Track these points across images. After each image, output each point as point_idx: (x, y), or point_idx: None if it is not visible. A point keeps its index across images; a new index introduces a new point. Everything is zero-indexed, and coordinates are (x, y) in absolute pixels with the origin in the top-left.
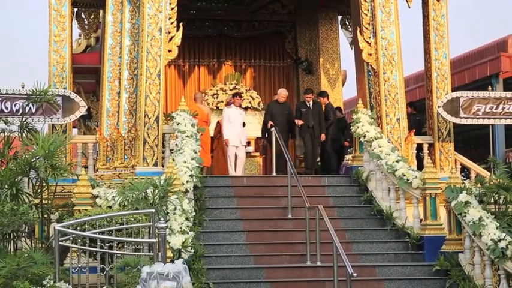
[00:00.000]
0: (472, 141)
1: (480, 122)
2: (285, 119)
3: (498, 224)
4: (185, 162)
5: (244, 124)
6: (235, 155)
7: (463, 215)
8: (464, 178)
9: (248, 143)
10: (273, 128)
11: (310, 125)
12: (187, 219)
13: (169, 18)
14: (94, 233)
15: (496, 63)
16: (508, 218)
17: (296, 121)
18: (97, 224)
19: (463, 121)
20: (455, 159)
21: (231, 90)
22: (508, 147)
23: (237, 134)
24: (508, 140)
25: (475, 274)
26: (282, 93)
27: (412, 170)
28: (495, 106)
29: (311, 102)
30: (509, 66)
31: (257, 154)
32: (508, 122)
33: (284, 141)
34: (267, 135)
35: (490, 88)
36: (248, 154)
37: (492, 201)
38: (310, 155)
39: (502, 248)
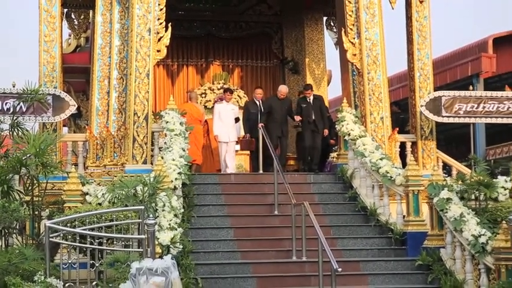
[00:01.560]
0: (454, 140)
1: (461, 120)
2: (285, 114)
3: (478, 220)
4: (174, 160)
5: (237, 119)
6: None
7: (444, 211)
8: (446, 175)
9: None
10: (261, 128)
11: (311, 120)
12: (175, 215)
13: (158, 19)
14: (84, 230)
15: (477, 64)
16: (488, 214)
17: (295, 117)
18: (87, 220)
19: (445, 120)
20: (437, 157)
21: (218, 89)
22: (489, 145)
23: (227, 130)
24: (488, 138)
25: (456, 269)
26: (282, 90)
27: (396, 167)
28: (476, 105)
29: (311, 98)
30: (490, 67)
31: (246, 152)
32: (489, 120)
33: (283, 135)
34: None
35: (471, 88)
36: (235, 152)
37: (473, 197)
38: (311, 150)
39: (482, 243)
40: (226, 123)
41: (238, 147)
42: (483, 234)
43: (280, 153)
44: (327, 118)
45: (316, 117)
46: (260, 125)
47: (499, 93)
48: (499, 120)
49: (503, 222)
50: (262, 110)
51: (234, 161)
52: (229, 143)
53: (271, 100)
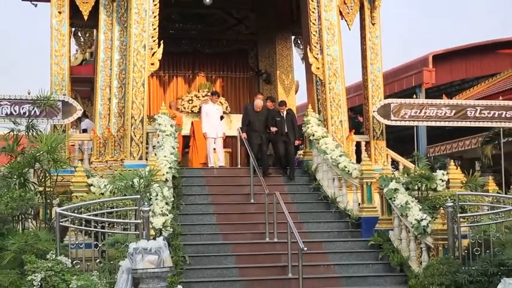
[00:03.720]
0: (401, 140)
1: (407, 123)
2: (262, 124)
3: (420, 207)
4: (165, 156)
5: (222, 117)
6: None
7: (392, 199)
8: (394, 170)
9: None
10: (245, 139)
11: (284, 132)
12: (167, 203)
13: (152, 37)
14: (89, 215)
15: (419, 76)
16: (428, 201)
17: (271, 128)
18: (91, 207)
19: (393, 123)
20: (387, 154)
21: (203, 96)
22: (429, 144)
23: (214, 127)
24: (429, 138)
25: (402, 247)
26: (258, 104)
27: (352, 163)
28: (419, 111)
29: (285, 112)
30: (430, 79)
31: (227, 150)
32: (429, 124)
33: (262, 142)
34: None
35: (414, 96)
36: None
37: (416, 188)
38: (285, 158)
39: (424, 226)
40: (213, 121)
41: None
42: (424, 219)
43: (261, 157)
44: (297, 129)
45: (288, 130)
46: (243, 135)
47: (437, 101)
48: (438, 124)
49: (441, 208)
50: (249, 120)
51: (223, 154)
52: (216, 138)
53: (250, 114)
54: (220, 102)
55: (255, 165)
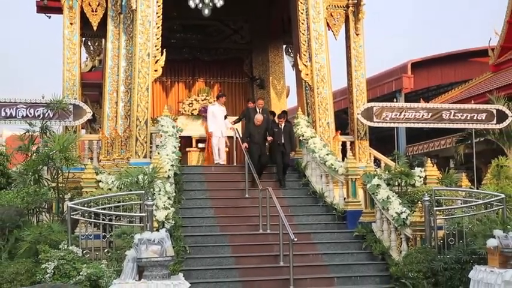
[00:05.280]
0: (382, 140)
1: (388, 125)
2: (262, 137)
3: (400, 201)
4: (167, 155)
5: (226, 117)
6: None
7: (375, 194)
8: (376, 167)
9: None
10: (245, 150)
11: (281, 143)
12: (169, 198)
13: (155, 46)
14: (98, 209)
15: (399, 82)
16: (407, 196)
17: (268, 138)
18: (100, 202)
19: (376, 124)
20: (370, 153)
21: (202, 100)
22: (408, 144)
23: (220, 127)
24: (408, 138)
25: (384, 238)
26: (258, 119)
27: (338, 161)
28: (398, 113)
29: (283, 124)
30: (409, 84)
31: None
32: (408, 125)
33: (262, 153)
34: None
35: (395, 100)
36: None
37: (396, 184)
38: (280, 167)
39: (403, 218)
40: (219, 121)
41: None
42: (404, 212)
43: (260, 167)
44: (294, 141)
45: (285, 141)
46: (244, 146)
47: (415, 105)
48: (416, 125)
49: (419, 202)
50: (250, 132)
51: (224, 153)
52: (221, 137)
53: (250, 128)
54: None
55: (254, 176)
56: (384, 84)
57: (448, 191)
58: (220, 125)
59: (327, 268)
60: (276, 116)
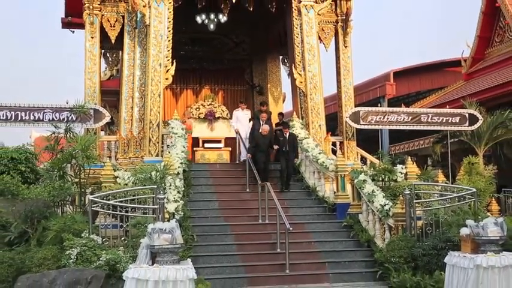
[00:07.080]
0: (368, 140)
1: (373, 127)
2: (267, 146)
3: (384, 194)
4: (177, 154)
5: (250, 120)
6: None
7: (361, 188)
8: (363, 164)
9: (219, 141)
10: (249, 158)
11: (286, 150)
12: (178, 192)
13: (166, 57)
14: (115, 202)
15: (383, 89)
16: (390, 190)
17: (274, 146)
18: (117, 195)
19: (362, 127)
20: (357, 152)
21: (208, 105)
22: (391, 143)
23: (244, 129)
24: (391, 139)
25: (369, 227)
26: (265, 129)
27: (329, 159)
28: (382, 117)
29: (287, 134)
30: (391, 91)
31: (227, 149)
32: (391, 127)
33: (266, 161)
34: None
35: (379, 105)
36: (219, 148)
37: (380, 179)
38: (284, 173)
39: (386, 210)
40: (243, 124)
41: (221, 145)
42: (387, 204)
43: (265, 174)
44: (297, 150)
45: (289, 149)
46: (248, 155)
47: (397, 109)
48: (398, 127)
49: (400, 196)
50: (256, 142)
51: (245, 152)
52: (244, 138)
53: (257, 137)
54: (222, 110)
55: (255, 173)
56: (369, 91)
57: (426, 185)
58: (245, 128)
59: (319, 254)
60: (281, 125)
